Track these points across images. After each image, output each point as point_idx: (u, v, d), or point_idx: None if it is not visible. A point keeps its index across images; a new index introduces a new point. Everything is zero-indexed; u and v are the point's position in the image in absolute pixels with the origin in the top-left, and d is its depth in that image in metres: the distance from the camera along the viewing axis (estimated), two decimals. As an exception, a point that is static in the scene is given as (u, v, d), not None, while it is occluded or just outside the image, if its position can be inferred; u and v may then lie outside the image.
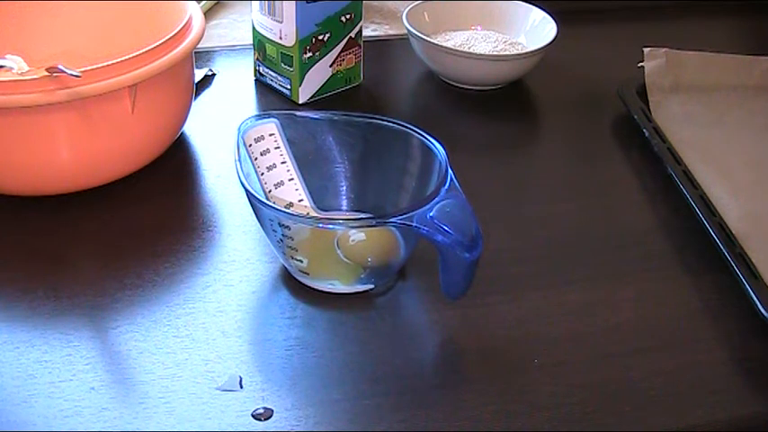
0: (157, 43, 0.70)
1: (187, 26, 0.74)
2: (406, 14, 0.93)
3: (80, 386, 0.57)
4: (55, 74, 0.65)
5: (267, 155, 0.67)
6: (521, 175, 0.82)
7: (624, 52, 0.94)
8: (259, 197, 0.61)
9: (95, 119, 0.69)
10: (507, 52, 0.91)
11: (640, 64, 0.91)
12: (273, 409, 0.56)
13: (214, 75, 0.93)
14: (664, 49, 0.91)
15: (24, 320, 0.62)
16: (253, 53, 0.91)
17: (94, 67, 0.67)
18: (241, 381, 0.58)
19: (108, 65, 0.67)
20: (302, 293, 0.65)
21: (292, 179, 0.68)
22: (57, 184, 0.71)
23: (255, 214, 0.63)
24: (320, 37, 0.86)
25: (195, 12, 0.77)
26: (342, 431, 0.56)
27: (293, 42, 0.85)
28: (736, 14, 1.14)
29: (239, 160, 0.63)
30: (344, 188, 0.70)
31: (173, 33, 0.72)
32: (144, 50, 0.69)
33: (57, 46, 0.82)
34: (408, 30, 0.91)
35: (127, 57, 0.68)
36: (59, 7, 0.83)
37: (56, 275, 0.66)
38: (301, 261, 0.63)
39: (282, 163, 0.68)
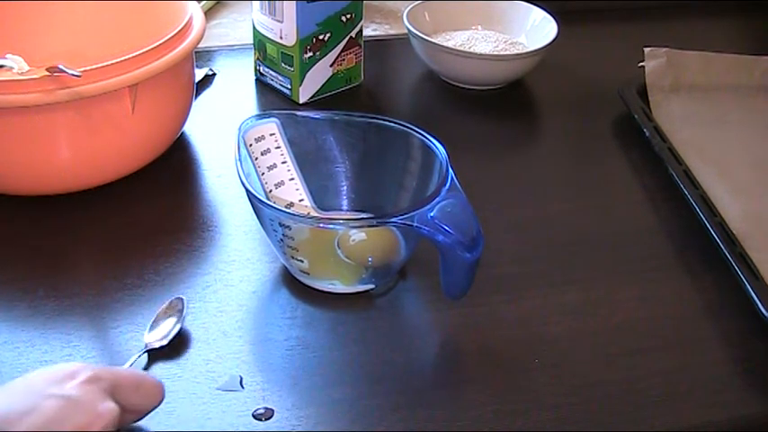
0: (158, 43, 0.70)
1: (187, 26, 0.74)
2: (407, 14, 0.93)
3: (80, 386, 0.57)
4: (55, 74, 0.65)
5: (268, 154, 0.67)
6: (521, 175, 0.82)
7: (624, 52, 0.94)
8: (259, 197, 0.61)
9: (95, 119, 0.69)
10: (507, 52, 0.91)
11: (641, 64, 0.91)
12: (274, 409, 0.56)
13: (214, 74, 0.93)
14: (664, 49, 0.91)
15: (24, 320, 0.62)
16: (253, 53, 0.91)
17: (95, 66, 0.67)
18: (242, 381, 0.58)
19: (108, 65, 0.67)
20: (303, 293, 0.65)
21: (293, 179, 0.68)
22: (57, 184, 0.71)
23: (256, 214, 0.63)
24: (321, 37, 0.86)
25: (196, 11, 0.77)
26: (342, 431, 0.56)
27: (294, 42, 0.85)
28: (736, 14, 1.14)
29: (240, 160, 0.63)
30: (345, 188, 0.70)
31: (173, 33, 0.72)
32: (144, 50, 0.69)
33: (57, 46, 0.82)
34: (409, 30, 0.91)
35: (127, 57, 0.68)
36: (59, 7, 0.83)
37: (56, 275, 0.66)
38: (302, 261, 0.63)
39: (283, 163, 0.68)
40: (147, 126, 0.73)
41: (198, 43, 0.74)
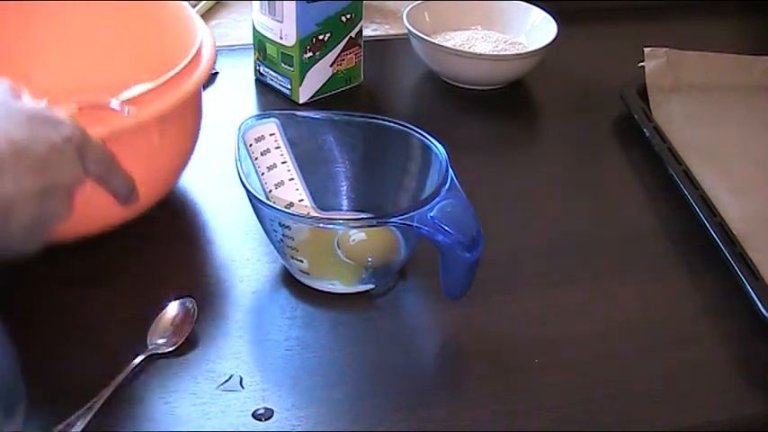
0: (179, 68, 0.64)
1: (198, 52, 0.67)
2: (407, 14, 0.93)
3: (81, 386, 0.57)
4: (107, 108, 0.58)
5: (267, 155, 0.67)
6: (521, 174, 0.82)
7: (624, 52, 0.94)
8: (259, 197, 0.61)
9: (126, 152, 0.58)
10: (507, 52, 0.91)
11: (641, 64, 0.91)
12: (274, 409, 0.56)
13: (217, 73, 0.92)
14: (664, 49, 0.91)
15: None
16: (253, 53, 0.91)
17: (130, 97, 0.60)
18: (242, 381, 0.58)
19: (140, 95, 0.61)
20: (303, 293, 0.65)
21: (293, 179, 0.68)
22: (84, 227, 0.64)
23: (256, 214, 0.63)
24: (320, 37, 0.86)
25: (203, 31, 0.70)
26: (342, 431, 0.56)
27: (293, 42, 0.85)
28: (736, 14, 1.14)
29: (239, 160, 0.63)
30: (345, 188, 0.70)
31: (189, 58, 0.65)
32: (169, 76, 0.63)
33: (57, 71, 0.75)
34: (409, 30, 0.91)
35: (154, 84, 0.62)
36: (58, 29, 0.77)
37: (56, 273, 0.66)
38: (302, 261, 0.63)
39: (283, 163, 0.68)
40: (171, 156, 0.68)
41: (212, 68, 0.68)
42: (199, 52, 0.67)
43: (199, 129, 0.72)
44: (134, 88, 0.64)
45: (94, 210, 0.59)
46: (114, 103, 0.59)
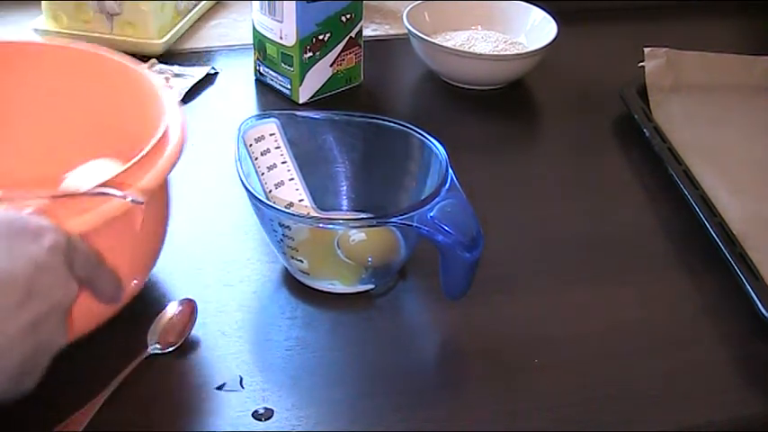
0: (151, 145, 0.56)
1: (164, 136, 0.58)
2: (407, 14, 0.93)
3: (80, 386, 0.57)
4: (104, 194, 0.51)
5: (267, 155, 0.67)
6: (521, 175, 0.82)
7: (624, 52, 0.94)
8: (259, 197, 0.61)
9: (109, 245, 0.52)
10: (507, 52, 0.91)
11: (641, 64, 0.91)
12: (274, 409, 0.56)
13: (216, 73, 0.93)
14: (664, 49, 0.92)
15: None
16: (253, 53, 0.91)
17: (106, 180, 0.52)
18: (241, 381, 0.58)
19: (119, 174, 0.53)
20: (303, 293, 0.65)
21: (293, 179, 0.68)
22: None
23: (256, 214, 0.63)
24: (320, 37, 0.86)
25: (170, 103, 0.61)
26: (343, 431, 0.56)
27: (293, 42, 0.85)
28: (736, 14, 1.14)
29: (239, 160, 0.63)
30: (345, 188, 0.70)
31: (159, 134, 0.57)
32: (142, 155, 0.55)
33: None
34: (408, 30, 0.91)
35: (129, 164, 0.54)
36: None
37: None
38: (302, 261, 0.63)
39: (283, 163, 0.68)
40: (152, 244, 0.61)
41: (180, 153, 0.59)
42: (166, 133, 0.58)
43: (170, 208, 0.64)
44: (97, 169, 0.58)
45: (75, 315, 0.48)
46: (116, 192, 0.50)
